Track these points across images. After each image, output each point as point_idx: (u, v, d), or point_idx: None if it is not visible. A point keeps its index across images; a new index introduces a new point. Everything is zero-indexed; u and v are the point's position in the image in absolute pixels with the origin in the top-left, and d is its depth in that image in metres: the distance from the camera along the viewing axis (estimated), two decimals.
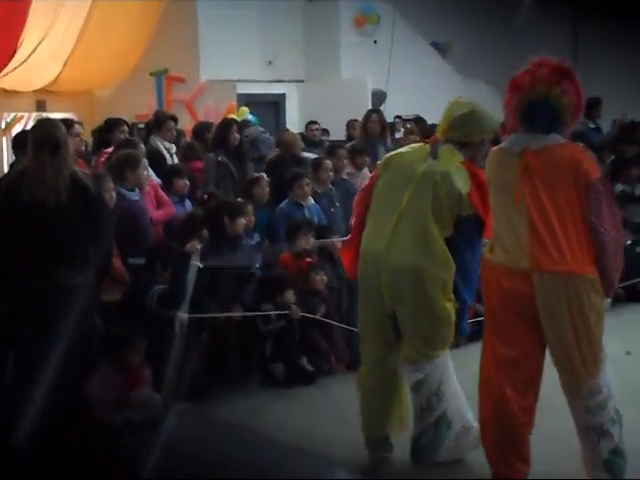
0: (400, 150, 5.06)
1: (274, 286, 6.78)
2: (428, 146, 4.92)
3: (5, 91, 15.35)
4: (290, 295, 6.73)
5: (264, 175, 7.80)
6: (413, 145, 5.09)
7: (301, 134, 11.28)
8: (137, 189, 6.58)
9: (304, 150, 9.42)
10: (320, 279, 7.05)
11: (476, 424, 4.82)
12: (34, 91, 15.89)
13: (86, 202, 5.39)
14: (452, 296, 4.79)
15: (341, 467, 4.97)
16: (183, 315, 5.75)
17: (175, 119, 8.74)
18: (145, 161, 6.68)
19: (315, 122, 12.13)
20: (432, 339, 4.77)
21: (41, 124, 5.75)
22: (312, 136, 11.57)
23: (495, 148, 4.51)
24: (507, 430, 4.31)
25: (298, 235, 7.21)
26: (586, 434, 4.31)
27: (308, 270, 7.04)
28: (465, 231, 4.73)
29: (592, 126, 11.38)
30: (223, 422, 5.87)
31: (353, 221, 5.18)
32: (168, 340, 5.74)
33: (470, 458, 4.91)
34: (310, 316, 6.74)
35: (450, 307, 4.78)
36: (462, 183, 4.69)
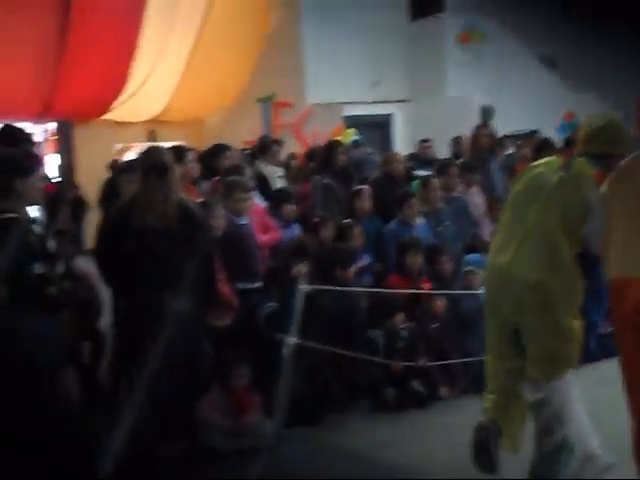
0: (534, 163, 4.91)
1: (383, 310, 6.64)
2: (561, 159, 4.76)
3: (116, 122, 15.74)
4: (400, 319, 6.58)
5: (365, 188, 7.71)
6: (547, 158, 4.92)
7: (412, 153, 11.15)
8: (244, 214, 6.59)
9: (416, 168, 9.31)
10: (440, 304, 6.89)
11: (600, 451, 4.59)
12: (145, 121, 16.25)
13: (192, 228, 5.45)
14: (579, 315, 4.58)
15: None
16: (291, 340, 5.65)
17: (280, 143, 8.75)
18: (247, 186, 6.67)
19: (427, 140, 11.92)
20: (556, 358, 4.57)
21: (148, 151, 5.86)
22: (425, 154, 11.33)
23: (628, 159, 4.33)
24: None
25: (407, 255, 7.08)
26: None
27: (429, 295, 6.88)
28: (596, 247, 4.51)
29: None
30: (332, 447, 5.76)
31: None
32: (277, 365, 5.66)
33: None
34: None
35: (577, 326, 4.58)
36: (594, 197, 4.48)
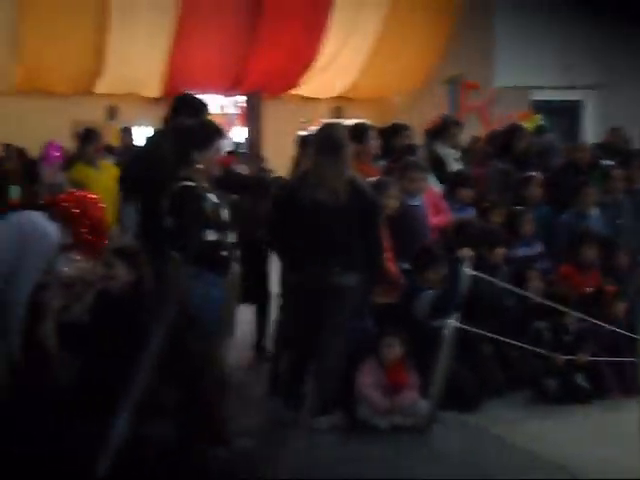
0: None
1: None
2: None
3: (303, 98, 16.03)
4: (570, 318, 6.40)
5: (536, 175, 7.53)
6: None
7: (600, 142, 10.75)
8: (419, 195, 6.59)
9: (603, 158, 8.99)
10: (622, 307, 6.66)
11: None
12: (331, 98, 16.47)
13: (362, 206, 5.51)
14: None
15: None
16: (453, 322, 5.63)
17: (459, 125, 8.65)
18: (419, 168, 6.64)
19: (618, 128, 11.41)
20: None
21: (324, 127, 5.95)
22: (614, 143, 10.85)
23: None
24: None
25: (581, 246, 6.88)
26: None
27: (612, 297, 6.67)
28: None
29: None
30: (486, 434, 5.70)
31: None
32: (436, 346, 5.65)
33: None
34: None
35: None
36: None
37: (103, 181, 7.81)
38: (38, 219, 4.60)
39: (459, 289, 5.72)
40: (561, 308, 6.26)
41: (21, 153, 11.06)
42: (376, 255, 5.77)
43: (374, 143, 7.08)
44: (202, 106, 6.30)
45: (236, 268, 5.29)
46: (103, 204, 4.87)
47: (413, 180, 6.53)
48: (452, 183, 7.47)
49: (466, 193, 7.35)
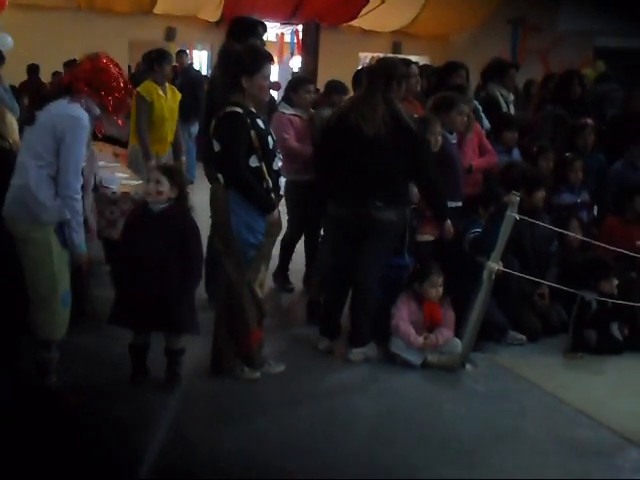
0: None
1: (595, 271, 6.36)
2: None
3: (363, 31, 15.86)
4: (612, 286, 6.29)
5: (589, 122, 7.41)
6: None
7: None
8: (454, 133, 6.53)
9: None
10: None
11: None
12: (391, 33, 16.28)
13: (405, 140, 5.50)
14: None
15: (633, 446, 4.70)
16: (493, 265, 5.63)
17: (517, 67, 8.53)
18: (464, 106, 6.55)
19: None
20: None
21: (379, 61, 5.93)
22: None
23: None
24: None
25: (631, 198, 6.79)
26: None
27: None
28: None
29: None
30: (517, 377, 5.73)
31: None
32: (476, 287, 5.67)
33: None
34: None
35: None
36: None
37: (169, 101, 7.89)
38: (66, 106, 4.65)
39: (499, 232, 5.70)
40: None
41: None
42: (433, 191, 5.79)
43: (417, 80, 7.06)
44: (255, 29, 6.27)
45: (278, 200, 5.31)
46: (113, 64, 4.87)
47: (451, 118, 6.45)
48: (498, 125, 7.41)
49: (510, 135, 7.29)
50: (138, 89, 7.68)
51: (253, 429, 4.63)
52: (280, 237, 6.09)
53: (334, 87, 7.10)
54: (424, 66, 8.93)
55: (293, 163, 6.69)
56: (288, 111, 6.97)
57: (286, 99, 7.15)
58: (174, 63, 11.80)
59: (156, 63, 7.93)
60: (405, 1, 15.17)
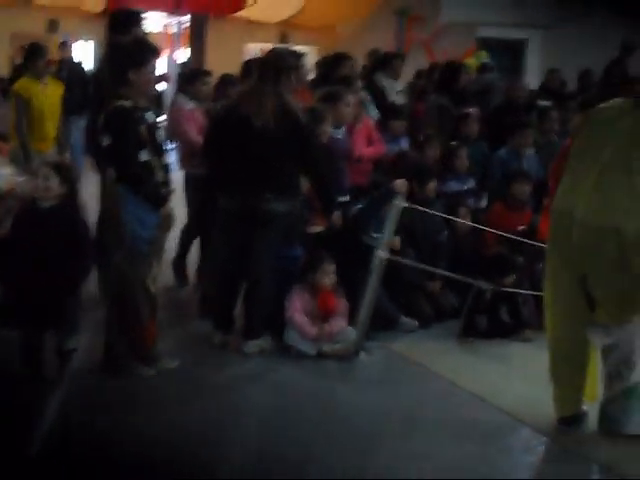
0: (600, 105, 4.68)
1: (498, 267, 6.52)
2: (632, 100, 4.54)
3: (250, 22, 15.80)
4: (511, 281, 6.46)
5: (472, 111, 7.59)
6: (616, 99, 4.70)
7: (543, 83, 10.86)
8: (342, 127, 6.56)
9: (541, 99, 9.09)
10: None
11: None
12: (277, 23, 16.27)
13: (294, 131, 5.52)
14: None
15: (524, 426, 4.85)
16: (382, 253, 5.71)
17: (402, 58, 8.67)
18: (351, 98, 6.60)
19: (555, 70, 11.56)
20: (629, 303, 4.47)
21: (268, 53, 5.94)
22: (551, 84, 11.00)
23: None
24: None
25: (513, 184, 6.98)
26: None
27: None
28: None
29: None
30: (411, 363, 5.84)
31: (551, 184, 4.85)
32: (366, 275, 5.75)
33: None
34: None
35: None
36: None
37: (49, 96, 7.69)
38: None
39: (379, 213, 5.75)
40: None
41: None
42: (321, 179, 5.81)
43: (306, 70, 7.10)
44: (136, 22, 6.19)
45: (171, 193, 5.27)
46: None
47: (336, 111, 6.48)
48: (385, 115, 7.51)
49: (398, 124, 7.40)
50: (14, 86, 7.49)
51: (144, 422, 4.59)
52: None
53: (229, 80, 7.06)
54: None
55: (193, 156, 6.62)
56: (187, 104, 6.91)
57: (183, 92, 7.07)
58: (53, 56, 11.52)
59: (29, 58, 7.74)
60: None
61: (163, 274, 5.83)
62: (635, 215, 4.34)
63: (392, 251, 5.87)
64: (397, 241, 6.16)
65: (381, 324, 6.13)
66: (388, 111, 7.52)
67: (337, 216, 5.97)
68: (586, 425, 4.76)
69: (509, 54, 14.90)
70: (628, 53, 12.76)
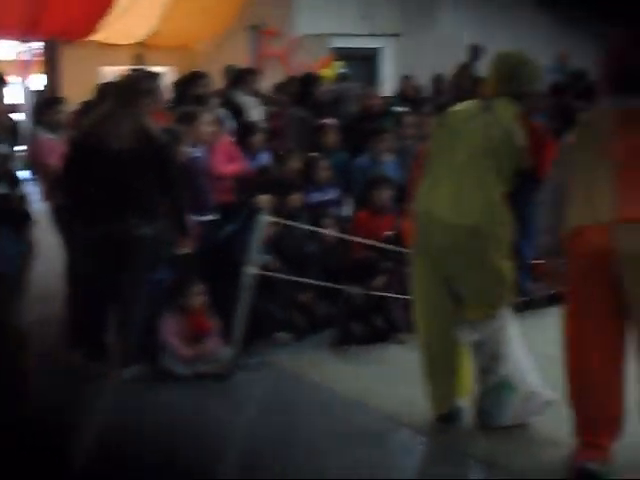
0: (453, 109, 4.86)
1: (362, 270, 6.64)
2: (483, 102, 4.74)
3: (104, 45, 15.57)
4: (379, 283, 6.57)
5: (330, 121, 7.71)
6: (467, 102, 4.90)
7: (398, 90, 11.13)
8: (201, 145, 6.56)
9: (397, 105, 9.30)
10: None
11: (541, 389, 4.73)
12: (133, 45, 16.08)
13: (155, 153, 5.48)
14: (511, 254, 4.63)
15: (405, 427, 4.95)
16: (251, 269, 5.73)
17: (255, 73, 8.72)
18: (208, 116, 6.61)
19: (409, 76, 11.91)
20: (490, 298, 4.64)
21: (124, 76, 5.90)
22: (406, 91, 11.34)
23: (594, 109, 4.35)
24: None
25: (374, 191, 7.10)
26: None
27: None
28: (523, 185, 4.56)
29: None
30: (290, 375, 5.88)
31: (411, 187, 4.96)
32: (237, 292, 5.75)
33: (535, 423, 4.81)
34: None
35: (508, 265, 4.62)
36: (519, 136, 4.53)
37: None
38: None
39: (252, 232, 5.78)
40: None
41: None
42: (178, 201, 5.76)
43: (163, 91, 7.07)
44: None
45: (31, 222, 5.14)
46: None
47: (196, 130, 6.47)
48: (243, 131, 7.54)
49: (257, 140, 7.44)
50: None
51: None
52: None
53: (90, 107, 6.92)
54: None
55: (56, 188, 6.45)
56: (45, 135, 6.74)
57: (40, 122, 6.91)
58: None
59: None
60: (144, 13, 15.02)
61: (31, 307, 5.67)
62: (489, 213, 4.51)
63: (263, 266, 5.90)
64: (273, 262, 6.22)
65: (256, 340, 6.14)
66: (246, 127, 7.54)
67: (190, 239, 5.92)
68: (463, 421, 4.89)
69: (364, 63, 15.18)
70: (476, 57, 13.22)
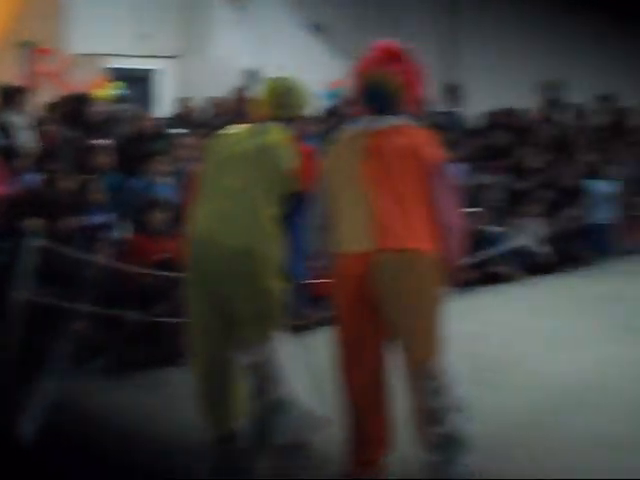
0: (225, 132, 4.89)
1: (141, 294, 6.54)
2: (254, 125, 4.81)
3: None
4: (161, 307, 6.49)
5: (102, 142, 7.57)
6: (240, 125, 4.94)
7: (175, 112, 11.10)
8: None
9: (173, 127, 9.26)
10: None
11: (317, 409, 4.79)
12: None
13: None
14: (283, 275, 4.69)
15: (183, 452, 4.88)
16: (21, 295, 5.49)
17: (24, 92, 8.41)
18: None
19: (185, 98, 11.93)
20: (263, 321, 4.64)
21: None
22: (183, 113, 11.35)
23: (342, 131, 4.50)
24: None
25: (148, 214, 7.00)
26: (420, 416, 4.28)
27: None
28: (294, 208, 4.64)
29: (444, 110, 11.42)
30: (65, 405, 5.65)
31: (185, 210, 4.92)
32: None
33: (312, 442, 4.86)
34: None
35: (280, 287, 4.67)
36: (289, 159, 4.61)
37: None
38: None
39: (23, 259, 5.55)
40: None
41: None
42: None
43: None
44: None
45: None
46: None
47: None
48: (8, 153, 7.26)
49: (21, 161, 7.18)
50: None
51: None
52: None
53: None
54: None
55: None
56: None
57: None
58: None
59: None
60: None
61: None
62: (259, 234, 4.56)
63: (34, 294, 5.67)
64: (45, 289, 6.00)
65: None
66: (9, 149, 7.25)
67: None
68: (241, 441, 4.87)
69: (140, 84, 15.01)
70: (252, 80, 13.31)
